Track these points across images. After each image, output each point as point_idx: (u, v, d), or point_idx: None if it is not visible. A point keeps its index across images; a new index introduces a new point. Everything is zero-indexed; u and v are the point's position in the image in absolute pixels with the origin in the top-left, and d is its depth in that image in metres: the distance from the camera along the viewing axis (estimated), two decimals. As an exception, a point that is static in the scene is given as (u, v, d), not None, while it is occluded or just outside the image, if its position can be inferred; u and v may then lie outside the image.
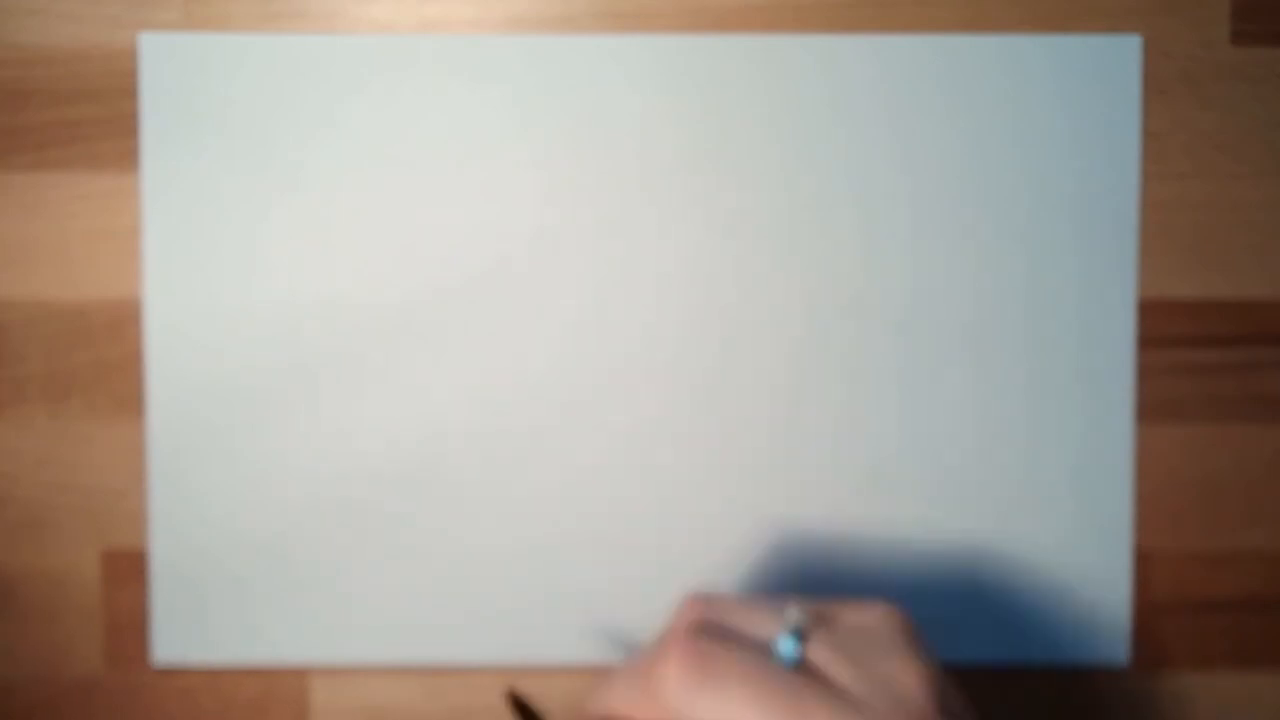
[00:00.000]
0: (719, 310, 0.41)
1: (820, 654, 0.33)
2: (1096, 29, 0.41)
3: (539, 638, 0.42)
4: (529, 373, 0.41)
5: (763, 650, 0.33)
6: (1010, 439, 0.41)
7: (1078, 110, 0.41)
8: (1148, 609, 0.42)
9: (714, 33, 0.41)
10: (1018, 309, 0.41)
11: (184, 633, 0.41)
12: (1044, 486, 0.41)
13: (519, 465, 0.41)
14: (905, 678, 0.33)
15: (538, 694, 0.42)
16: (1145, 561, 0.42)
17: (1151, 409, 0.42)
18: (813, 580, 0.41)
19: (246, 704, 0.42)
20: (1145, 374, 0.42)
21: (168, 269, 0.40)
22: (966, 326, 0.41)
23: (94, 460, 0.41)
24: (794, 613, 0.34)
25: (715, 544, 0.41)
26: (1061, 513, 0.42)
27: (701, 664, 0.32)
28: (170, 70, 0.40)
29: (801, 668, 0.32)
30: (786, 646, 0.33)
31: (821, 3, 0.41)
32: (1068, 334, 0.41)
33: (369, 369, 0.41)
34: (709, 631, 0.33)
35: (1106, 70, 0.41)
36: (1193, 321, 0.42)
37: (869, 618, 0.34)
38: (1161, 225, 0.41)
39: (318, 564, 0.41)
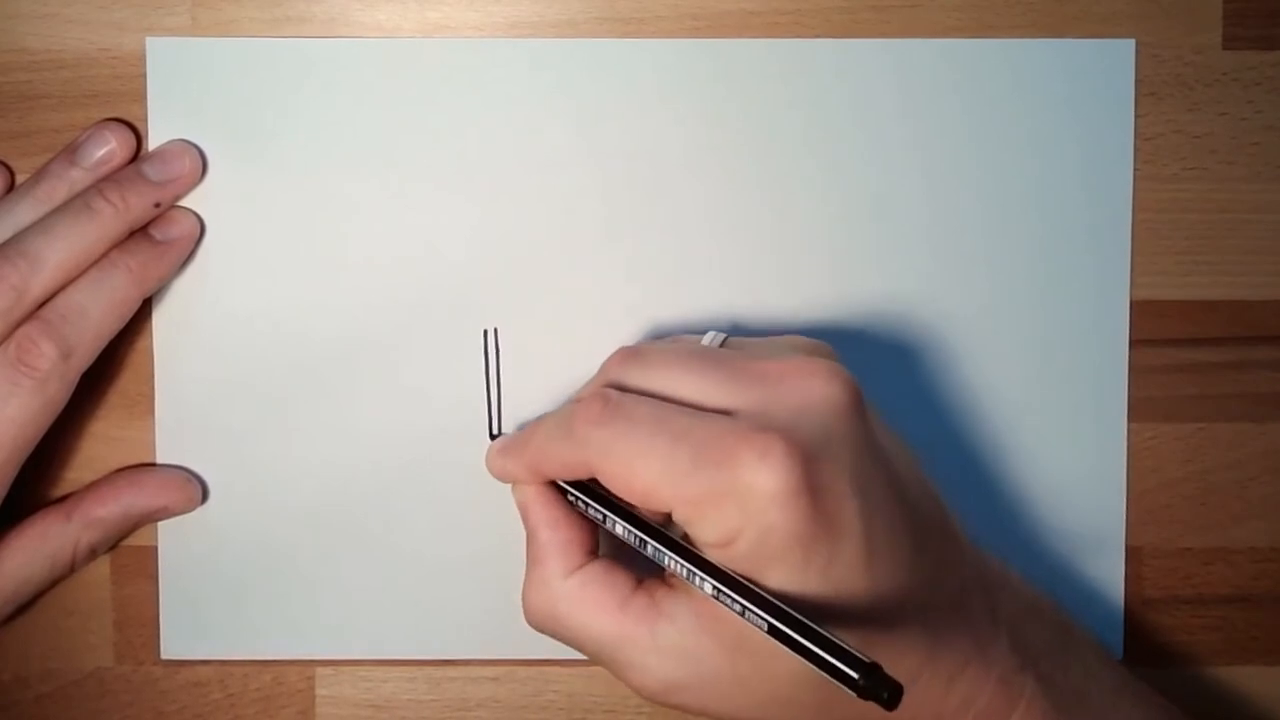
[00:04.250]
0: (725, 310, 0.41)
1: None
2: (1092, 33, 0.41)
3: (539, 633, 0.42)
4: (531, 374, 0.41)
5: (675, 401, 0.34)
6: (1005, 437, 0.42)
7: (1073, 113, 0.41)
8: (1140, 605, 0.43)
9: (714, 38, 0.41)
10: (1012, 308, 0.42)
11: (192, 627, 0.42)
12: (1038, 484, 0.42)
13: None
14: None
15: (537, 688, 0.43)
16: (1138, 558, 0.42)
17: (1144, 408, 0.42)
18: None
19: (253, 696, 0.42)
20: (1138, 373, 0.42)
21: (176, 270, 0.41)
22: (961, 325, 0.42)
23: (105, 458, 0.42)
24: (714, 336, 0.37)
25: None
26: (1055, 510, 0.42)
27: (610, 408, 0.34)
28: (177, 74, 0.41)
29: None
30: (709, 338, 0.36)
31: (819, 9, 0.41)
32: (1062, 333, 0.42)
33: (373, 369, 0.41)
34: (628, 384, 0.35)
35: (1101, 73, 0.41)
36: (1185, 322, 0.42)
37: (811, 389, 0.34)
38: (1154, 227, 0.42)
39: (323, 560, 0.42)
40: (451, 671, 0.42)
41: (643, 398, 0.34)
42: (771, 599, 0.32)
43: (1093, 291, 0.42)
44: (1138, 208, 0.42)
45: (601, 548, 0.37)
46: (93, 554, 0.41)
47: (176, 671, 0.42)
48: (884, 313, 0.41)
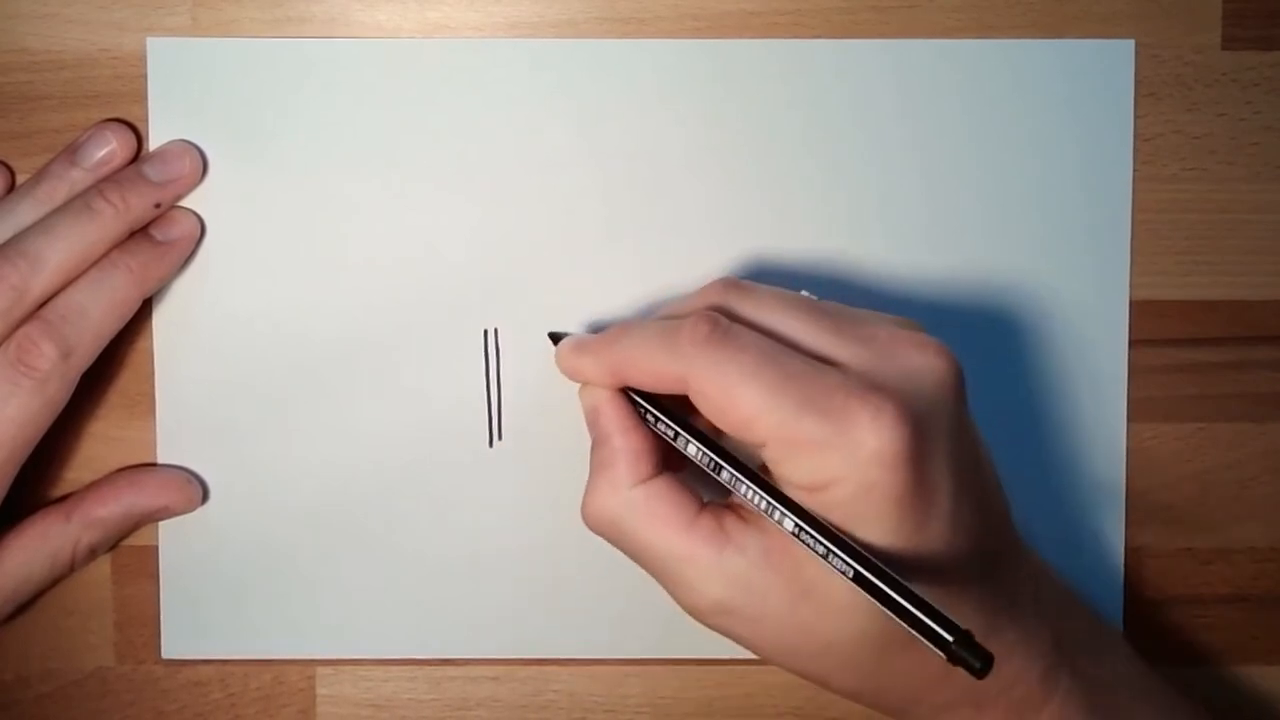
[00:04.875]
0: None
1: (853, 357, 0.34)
2: (1091, 34, 0.41)
3: (539, 632, 0.42)
4: (531, 374, 0.41)
5: (782, 341, 0.34)
6: (1004, 437, 0.42)
7: (1072, 113, 0.41)
8: (1140, 605, 0.43)
9: (714, 38, 0.41)
10: (1012, 308, 0.42)
11: (193, 627, 0.42)
12: (1037, 484, 0.42)
13: (521, 465, 0.42)
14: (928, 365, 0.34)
15: (537, 687, 0.43)
16: (1138, 558, 0.43)
17: (1144, 408, 0.42)
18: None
19: (254, 696, 0.42)
20: (1138, 373, 0.42)
21: (176, 270, 0.41)
22: (961, 325, 0.42)
23: (105, 458, 0.42)
24: (808, 295, 0.36)
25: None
26: (1055, 510, 0.42)
27: (720, 331, 0.34)
28: (178, 75, 0.41)
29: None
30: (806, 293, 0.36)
31: (819, 9, 0.41)
32: (1061, 333, 0.42)
33: (373, 370, 0.41)
34: (735, 312, 0.35)
35: (1101, 74, 0.41)
36: (1185, 322, 0.42)
37: (921, 360, 0.34)
38: (1154, 227, 0.42)
39: (323, 560, 0.42)
40: (452, 671, 0.43)
41: (752, 330, 0.34)
42: (860, 549, 0.32)
43: (1092, 292, 0.42)
44: (1137, 208, 0.42)
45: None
46: (93, 554, 0.41)
47: (177, 671, 0.42)
48: (884, 312, 0.41)
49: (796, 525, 0.33)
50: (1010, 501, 0.37)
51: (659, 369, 0.35)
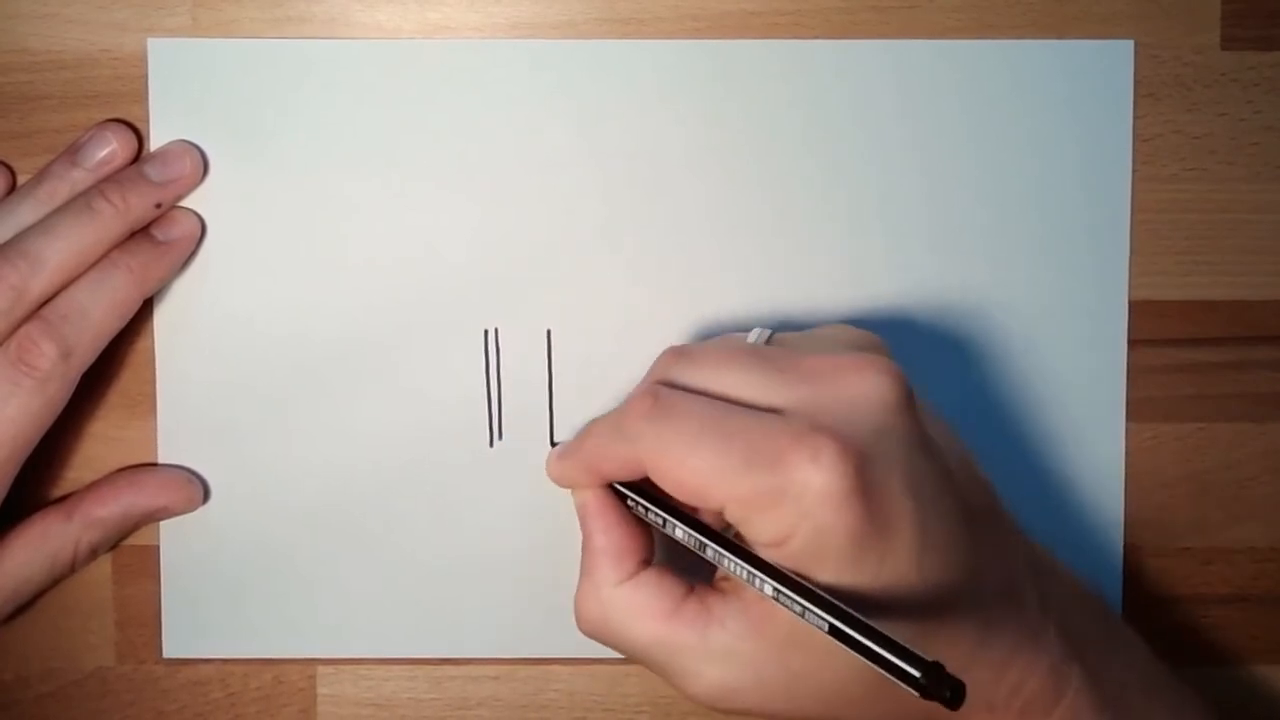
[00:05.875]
0: (725, 310, 0.41)
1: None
2: (1091, 34, 0.41)
3: (539, 632, 0.42)
4: (528, 375, 0.41)
5: (725, 399, 0.34)
6: (1004, 437, 0.42)
7: (1072, 113, 0.41)
8: (1140, 605, 0.43)
9: (714, 38, 0.41)
10: (1011, 308, 0.42)
11: (193, 626, 0.42)
12: (1036, 484, 0.42)
13: (521, 465, 0.42)
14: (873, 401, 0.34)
15: (538, 687, 0.43)
16: (1137, 558, 0.43)
17: (1143, 408, 0.42)
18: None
19: (254, 695, 0.42)
20: (1137, 373, 0.42)
21: (176, 270, 0.41)
22: (960, 326, 0.42)
23: (105, 458, 0.42)
24: (760, 333, 0.36)
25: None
26: (1054, 510, 0.42)
27: (660, 403, 0.34)
28: (178, 75, 0.41)
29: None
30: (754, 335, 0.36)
31: (819, 9, 0.41)
32: (1060, 333, 0.42)
33: (373, 370, 0.41)
34: (678, 381, 0.35)
35: (1100, 74, 0.41)
36: (1184, 322, 0.42)
37: (861, 386, 0.34)
38: (1153, 227, 0.42)
39: (323, 560, 0.42)
40: (452, 670, 0.43)
41: (693, 395, 0.34)
42: (831, 600, 0.32)
43: (1092, 291, 0.42)
44: (1137, 208, 0.42)
45: (657, 554, 0.37)
46: (93, 554, 0.41)
47: (178, 671, 0.42)
48: (883, 313, 0.41)
49: (774, 589, 0.32)
50: (1006, 499, 0.37)
51: (617, 457, 0.35)
